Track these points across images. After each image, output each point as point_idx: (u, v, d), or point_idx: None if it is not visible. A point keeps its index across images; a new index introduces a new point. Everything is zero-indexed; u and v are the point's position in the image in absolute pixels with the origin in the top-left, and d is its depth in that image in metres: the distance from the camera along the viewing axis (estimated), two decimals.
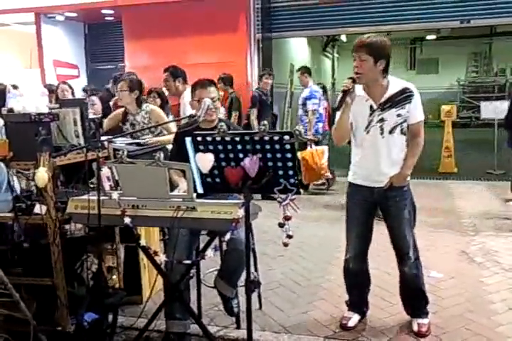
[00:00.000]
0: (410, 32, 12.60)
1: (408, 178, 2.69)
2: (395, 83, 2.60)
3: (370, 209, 2.75)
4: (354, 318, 2.87)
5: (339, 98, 2.52)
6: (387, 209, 2.72)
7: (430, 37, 15.74)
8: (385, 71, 2.55)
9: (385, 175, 2.64)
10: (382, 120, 2.57)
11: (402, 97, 2.56)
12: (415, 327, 2.76)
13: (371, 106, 2.58)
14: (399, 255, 2.76)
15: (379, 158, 2.62)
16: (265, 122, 2.18)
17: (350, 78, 2.55)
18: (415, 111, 2.60)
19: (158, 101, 4.77)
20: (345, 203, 2.84)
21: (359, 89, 2.58)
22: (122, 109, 4.06)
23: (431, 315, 2.90)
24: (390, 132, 2.59)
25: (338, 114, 2.61)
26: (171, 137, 3.25)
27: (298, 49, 12.77)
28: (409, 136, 2.65)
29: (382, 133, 2.58)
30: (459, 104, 15.45)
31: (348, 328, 2.82)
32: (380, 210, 2.78)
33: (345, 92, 2.50)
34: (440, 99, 14.15)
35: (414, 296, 2.82)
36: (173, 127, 3.82)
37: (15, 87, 7.33)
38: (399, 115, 2.57)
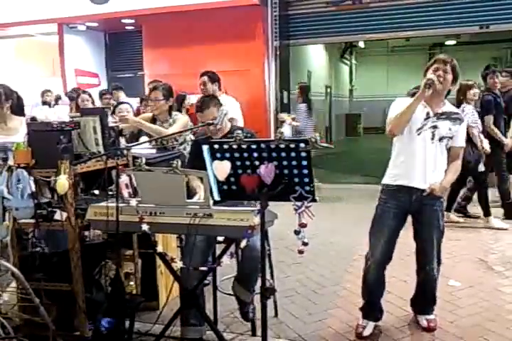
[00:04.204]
0: (429, 37, 12.51)
1: (446, 192, 2.81)
2: (451, 106, 2.82)
3: (401, 216, 2.78)
4: (369, 326, 2.87)
5: (423, 84, 2.60)
6: (420, 215, 2.77)
7: (449, 42, 15.60)
8: (447, 93, 2.78)
9: (428, 178, 2.69)
10: (435, 127, 2.70)
11: (456, 117, 2.74)
12: (424, 323, 2.88)
13: (428, 113, 2.71)
14: (423, 261, 2.82)
15: (425, 160, 2.70)
16: (281, 130, 2.21)
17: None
18: (461, 136, 2.77)
19: None
20: (373, 208, 2.83)
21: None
22: (150, 114, 3.99)
23: (448, 324, 2.89)
24: (440, 140, 2.70)
25: (406, 104, 2.65)
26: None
27: (315, 56, 12.79)
28: (450, 159, 2.76)
29: (432, 139, 2.70)
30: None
31: (364, 337, 2.82)
32: (412, 217, 2.80)
33: (427, 84, 2.59)
34: None
35: (428, 299, 2.90)
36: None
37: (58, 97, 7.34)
38: (450, 129, 2.71)
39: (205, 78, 4.83)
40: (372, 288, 2.89)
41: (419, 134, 2.69)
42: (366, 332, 2.83)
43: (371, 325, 2.87)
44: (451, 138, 2.72)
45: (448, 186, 2.75)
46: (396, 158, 2.81)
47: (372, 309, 2.92)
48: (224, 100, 4.36)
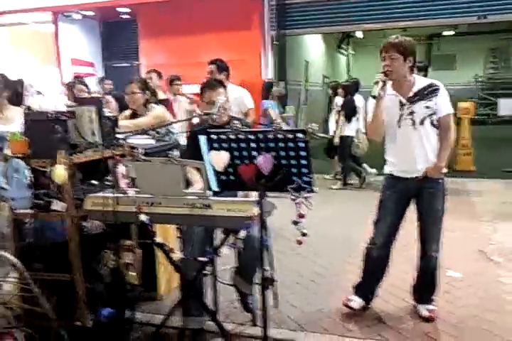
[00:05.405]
0: (427, 28, 12.44)
1: (443, 171, 2.78)
2: (421, 80, 2.78)
3: (403, 201, 2.84)
4: (358, 301, 2.94)
5: (378, 87, 2.64)
6: (420, 199, 2.82)
7: (447, 33, 15.51)
8: (412, 68, 2.73)
9: (419, 166, 2.73)
10: (412, 113, 2.71)
11: (429, 91, 2.72)
12: (424, 313, 2.88)
13: (400, 102, 2.72)
14: (425, 241, 2.85)
15: (412, 149, 2.73)
16: (279, 121, 2.18)
17: (383, 72, 2.67)
18: (443, 104, 2.74)
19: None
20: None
21: (389, 88, 2.73)
22: (129, 111, 3.93)
23: (448, 314, 2.90)
24: (421, 123, 2.71)
25: (371, 109, 2.75)
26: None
27: (313, 46, 12.71)
28: (441, 130, 2.76)
29: (413, 124, 2.71)
30: (477, 101, 15.24)
31: (350, 308, 2.91)
32: (415, 200, 2.85)
33: (377, 83, 2.63)
34: (457, 96, 13.85)
35: (429, 284, 2.92)
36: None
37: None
38: (427, 107, 2.70)
39: (213, 67, 4.55)
40: (373, 268, 2.94)
41: (399, 126, 2.73)
42: (355, 305, 2.90)
43: (360, 300, 2.93)
44: (433, 113, 2.71)
45: (443, 165, 2.75)
46: (387, 151, 2.89)
47: (365, 289, 2.97)
48: (234, 90, 4.40)
